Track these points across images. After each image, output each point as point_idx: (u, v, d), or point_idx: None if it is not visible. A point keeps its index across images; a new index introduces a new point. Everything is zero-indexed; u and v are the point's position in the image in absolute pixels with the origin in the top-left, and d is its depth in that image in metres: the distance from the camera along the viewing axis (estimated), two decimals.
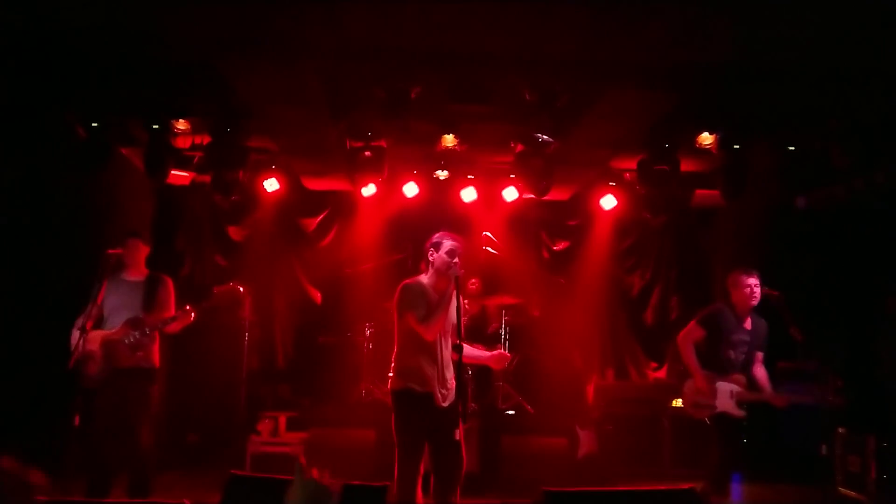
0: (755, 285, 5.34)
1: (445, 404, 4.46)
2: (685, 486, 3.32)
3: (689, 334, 5.48)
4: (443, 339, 4.49)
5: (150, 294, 5.34)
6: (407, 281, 4.59)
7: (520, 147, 6.82)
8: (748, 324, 5.45)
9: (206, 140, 6.83)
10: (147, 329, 5.17)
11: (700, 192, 7.97)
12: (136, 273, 5.42)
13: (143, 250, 5.49)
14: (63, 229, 6.59)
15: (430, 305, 4.42)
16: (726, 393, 5.34)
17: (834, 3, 4.61)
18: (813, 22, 4.82)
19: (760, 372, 5.50)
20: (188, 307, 5.24)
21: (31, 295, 6.33)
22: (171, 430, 7.30)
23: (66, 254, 6.46)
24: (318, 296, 8.93)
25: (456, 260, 4.48)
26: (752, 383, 5.46)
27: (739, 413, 5.32)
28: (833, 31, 4.95)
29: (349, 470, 6.40)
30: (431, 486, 4.55)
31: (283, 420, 7.02)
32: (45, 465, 6.04)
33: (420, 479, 4.49)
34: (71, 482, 5.29)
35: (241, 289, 5.43)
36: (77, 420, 4.99)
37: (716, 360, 5.41)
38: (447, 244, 4.53)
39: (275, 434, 6.93)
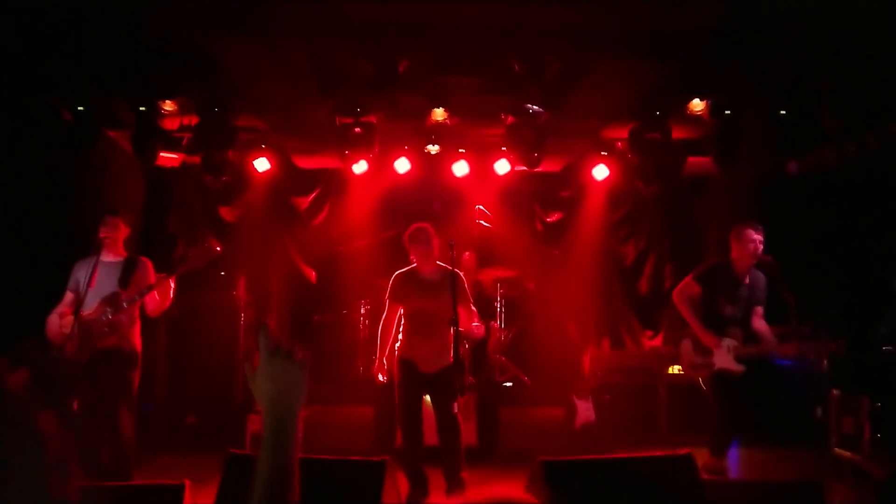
0: (760, 241, 5.32)
1: (430, 371, 5.04)
2: (681, 451, 3.35)
3: (685, 290, 5.48)
4: (429, 315, 5.07)
5: (126, 274, 5.15)
6: (396, 272, 5.27)
7: (510, 119, 6.78)
8: (747, 279, 5.43)
9: (195, 121, 6.78)
10: (124, 303, 4.99)
11: (692, 160, 7.95)
12: (114, 254, 5.24)
13: (122, 230, 5.31)
14: (52, 214, 6.55)
15: (410, 289, 5.12)
16: (724, 348, 5.32)
17: None
18: None
19: (761, 325, 5.47)
20: (164, 274, 5.09)
21: (19, 280, 6.31)
22: (169, 413, 7.31)
23: (55, 239, 6.43)
24: (312, 274, 8.92)
25: (415, 246, 5.10)
26: (752, 337, 5.43)
27: (738, 368, 5.29)
28: None
29: (348, 446, 6.51)
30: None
31: None
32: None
33: (422, 439, 5.13)
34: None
35: (218, 248, 5.25)
36: (76, 405, 4.99)
37: (713, 316, 5.40)
38: (408, 237, 5.14)
39: None
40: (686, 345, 5.56)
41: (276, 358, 1.64)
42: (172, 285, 5.13)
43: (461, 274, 5.23)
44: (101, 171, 7.18)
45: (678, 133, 7.08)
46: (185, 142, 7.37)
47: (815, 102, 6.32)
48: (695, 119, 6.71)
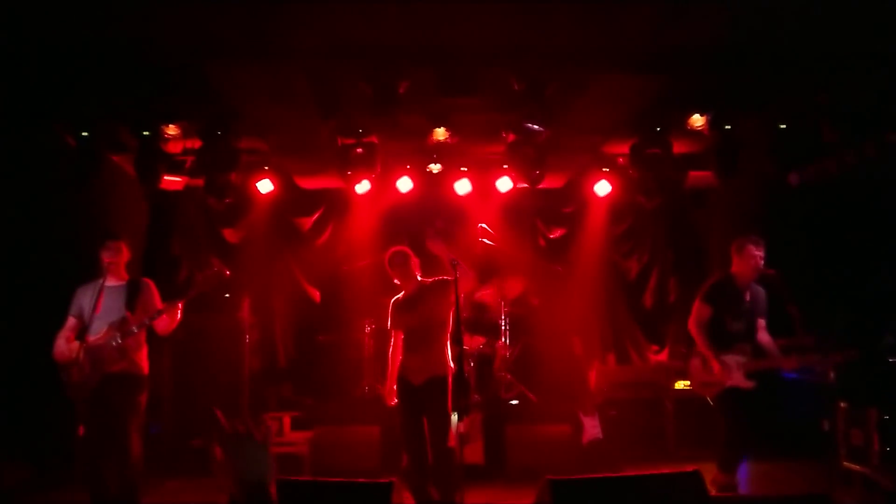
0: (761, 257, 5.38)
1: (418, 382, 5.15)
2: (689, 468, 3.34)
3: (699, 317, 5.49)
4: (415, 330, 5.26)
5: (132, 298, 5.16)
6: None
7: (511, 137, 6.81)
8: (748, 293, 5.48)
9: (197, 144, 6.83)
10: (134, 328, 5.00)
11: (693, 173, 7.96)
12: (117, 278, 5.22)
13: (125, 254, 5.31)
14: (57, 240, 6.58)
15: (401, 312, 5.37)
16: (733, 366, 5.35)
17: None
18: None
19: (765, 338, 5.53)
20: (173, 299, 5.11)
21: (26, 306, 6.34)
22: (175, 436, 7.30)
23: (61, 263, 6.46)
24: (316, 294, 8.94)
25: (395, 269, 5.35)
26: (758, 351, 5.47)
27: (749, 384, 5.32)
28: (819, 9, 4.95)
29: (354, 466, 6.50)
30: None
31: (287, 420, 7.05)
32: (51, 475, 6.07)
33: (427, 457, 5.08)
34: (80, 491, 5.32)
35: (227, 272, 5.27)
36: (81, 430, 4.98)
37: (720, 334, 5.43)
38: (388, 262, 5.42)
39: (280, 434, 6.96)
40: (695, 363, 5.56)
41: (238, 443, 1.74)
42: (180, 308, 5.14)
43: (446, 279, 5.20)
44: (104, 195, 7.22)
45: (679, 147, 7.11)
46: (188, 165, 7.42)
47: (814, 114, 6.34)
48: (695, 133, 6.73)
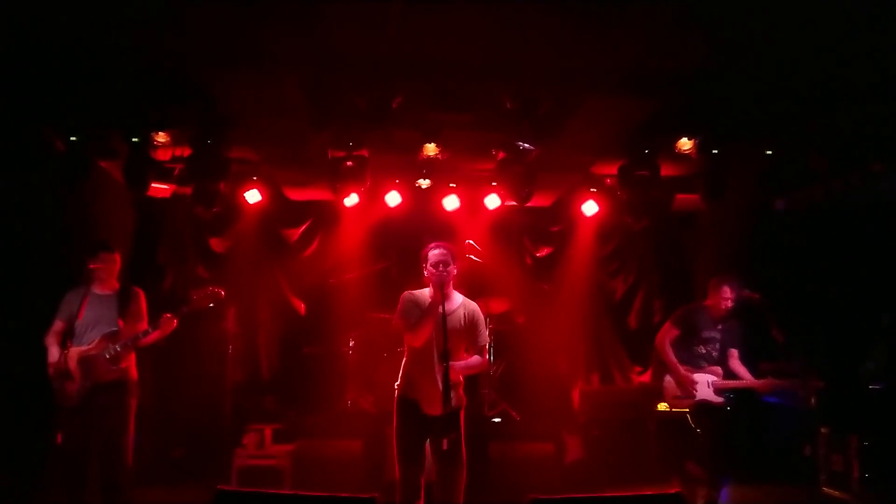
0: (731, 298, 5.79)
1: (434, 413, 4.50)
2: (671, 490, 3.34)
3: (666, 334, 5.95)
4: (437, 349, 4.49)
5: (123, 307, 5.27)
6: (406, 291, 4.74)
7: (501, 154, 6.84)
8: (719, 324, 5.89)
9: (187, 152, 6.80)
10: (129, 342, 5.14)
11: (680, 196, 8.02)
12: (108, 286, 5.35)
13: (117, 263, 5.44)
14: (43, 244, 6.52)
15: (422, 314, 4.54)
16: (704, 383, 5.78)
17: (807, 12, 4.68)
18: (786, 29, 4.89)
19: (736, 365, 5.92)
20: (168, 315, 5.23)
21: (9, 310, 6.26)
22: (155, 445, 7.21)
23: (45, 268, 6.40)
24: (301, 306, 8.89)
25: (441, 269, 4.57)
26: (730, 376, 5.88)
27: (719, 400, 5.74)
28: (807, 38, 5.03)
29: (336, 480, 6.44)
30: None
31: (268, 432, 6.97)
32: (28, 484, 5.99)
33: (423, 486, 4.57)
34: (54, 500, 5.25)
35: (222, 292, 5.42)
36: (59, 438, 4.97)
37: (689, 356, 5.87)
38: (431, 255, 4.67)
39: (261, 447, 6.88)
40: (668, 380, 5.97)
41: None
42: (175, 325, 5.28)
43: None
44: (91, 200, 7.16)
45: (667, 170, 7.16)
46: (176, 172, 7.38)
47: (802, 142, 6.42)
48: (683, 157, 6.79)
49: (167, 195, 8.16)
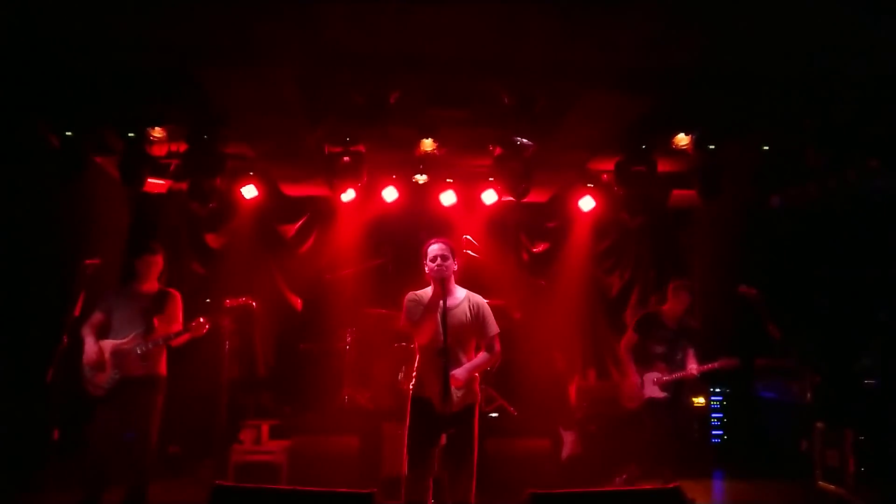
0: (688, 303, 6.51)
1: (447, 411, 4.47)
2: (669, 485, 3.35)
3: (628, 341, 6.64)
4: (447, 346, 4.45)
5: (160, 307, 5.52)
6: (409, 292, 4.74)
7: (498, 150, 6.84)
8: (674, 324, 6.49)
9: (183, 147, 6.77)
10: (160, 340, 5.38)
11: (677, 193, 8.03)
12: (148, 286, 5.62)
13: (159, 265, 5.71)
14: (38, 239, 6.50)
15: (424, 311, 4.54)
16: (650, 381, 6.43)
17: (802, 8, 4.68)
18: (783, 25, 4.89)
19: (692, 363, 6.41)
20: (202, 319, 5.51)
21: (7, 305, 6.24)
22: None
23: (42, 264, 6.38)
24: (298, 302, 8.88)
25: (440, 263, 4.56)
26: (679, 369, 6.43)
27: (662, 395, 6.38)
28: (804, 35, 5.03)
29: (333, 476, 6.44)
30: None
31: (265, 428, 6.98)
32: (29, 479, 5.99)
33: (431, 485, 4.53)
34: (51, 495, 5.25)
35: (254, 303, 5.91)
36: (56, 434, 5.00)
37: (644, 356, 6.50)
38: (430, 251, 4.66)
39: (257, 443, 6.89)
40: (626, 382, 6.63)
41: None
42: (206, 329, 5.58)
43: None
44: (86, 196, 7.14)
45: (663, 166, 7.16)
46: (172, 168, 7.37)
47: (798, 138, 6.43)
48: (679, 153, 6.80)
49: (163, 191, 8.13)
